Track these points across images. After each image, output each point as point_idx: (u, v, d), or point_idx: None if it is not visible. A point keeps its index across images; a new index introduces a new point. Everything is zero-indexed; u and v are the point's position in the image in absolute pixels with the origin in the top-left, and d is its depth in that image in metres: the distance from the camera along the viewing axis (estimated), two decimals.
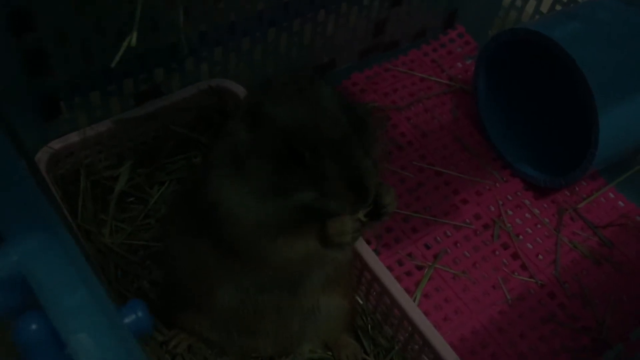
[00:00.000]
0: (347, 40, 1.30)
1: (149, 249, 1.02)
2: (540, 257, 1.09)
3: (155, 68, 1.08)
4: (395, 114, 1.25)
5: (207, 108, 1.09)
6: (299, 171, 0.66)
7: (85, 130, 1.01)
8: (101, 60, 0.98)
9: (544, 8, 1.31)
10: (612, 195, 1.20)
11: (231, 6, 1.08)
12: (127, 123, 1.04)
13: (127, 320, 0.45)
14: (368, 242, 1.00)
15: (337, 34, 1.27)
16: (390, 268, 0.99)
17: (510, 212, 1.14)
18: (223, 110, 1.09)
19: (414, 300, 0.99)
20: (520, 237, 1.11)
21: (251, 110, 0.69)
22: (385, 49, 1.38)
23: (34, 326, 0.41)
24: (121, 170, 1.05)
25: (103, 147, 1.04)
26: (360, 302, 1.00)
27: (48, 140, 0.99)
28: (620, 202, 1.19)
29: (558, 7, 1.28)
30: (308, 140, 0.66)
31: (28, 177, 0.48)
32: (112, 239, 1.01)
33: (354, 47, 1.33)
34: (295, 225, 0.71)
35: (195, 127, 1.09)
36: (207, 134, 1.09)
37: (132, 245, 1.02)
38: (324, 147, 0.66)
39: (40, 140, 0.98)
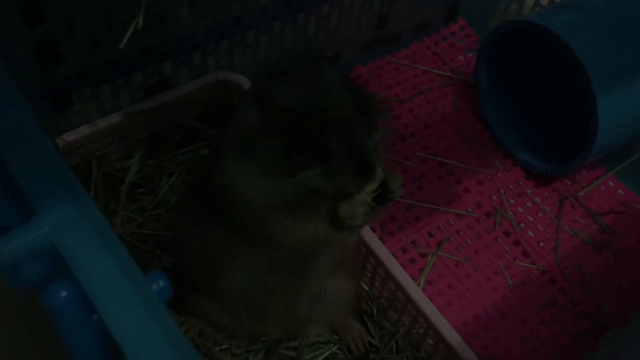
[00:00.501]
0: (350, 34, 1.32)
1: (158, 239, 1.04)
2: (541, 244, 1.11)
3: (163, 62, 1.10)
4: (398, 106, 1.27)
5: (214, 100, 1.12)
6: (305, 150, 0.68)
7: (96, 123, 1.03)
8: (111, 53, 1.00)
9: (544, 0, 1.33)
10: (612, 184, 1.21)
11: (236, 0, 1.10)
12: (137, 115, 1.06)
13: None
14: (372, 230, 1.02)
15: (340, 27, 1.29)
16: (394, 255, 1.00)
17: (511, 201, 1.16)
18: (229, 102, 1.12)
19: (418, 287, 1.01)
20: (522, 224, 1.13)
21: (258, 93, 0.71)
22: (387, 42, 1.40)
23: (64, 293, 0.44)
24: (131, 161, 1.08)
25: (113, 139, 1.06)
26: (366, 288, 1.02)
27: (59, 132, 1.01)
28: (620, 190, 1.20)
29: None
30: (313, 119, 0.67)
31: (56, 153, 0.51)
32: (123, 229, 1.03)
33: (356, 40, 1.35)
34: (305, 206, 0.73)
35: (203, 119, 1.12)
36: (214, 125, 1.12)
37: (142, 234, 1.04)
38: (329, 125, 0.67)
39: (51, 131, 1.00)
